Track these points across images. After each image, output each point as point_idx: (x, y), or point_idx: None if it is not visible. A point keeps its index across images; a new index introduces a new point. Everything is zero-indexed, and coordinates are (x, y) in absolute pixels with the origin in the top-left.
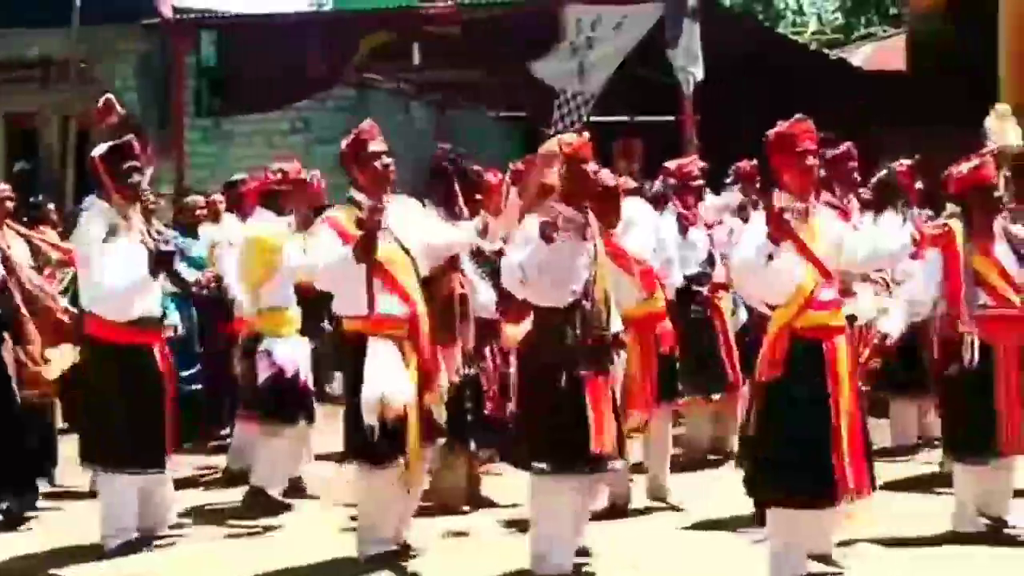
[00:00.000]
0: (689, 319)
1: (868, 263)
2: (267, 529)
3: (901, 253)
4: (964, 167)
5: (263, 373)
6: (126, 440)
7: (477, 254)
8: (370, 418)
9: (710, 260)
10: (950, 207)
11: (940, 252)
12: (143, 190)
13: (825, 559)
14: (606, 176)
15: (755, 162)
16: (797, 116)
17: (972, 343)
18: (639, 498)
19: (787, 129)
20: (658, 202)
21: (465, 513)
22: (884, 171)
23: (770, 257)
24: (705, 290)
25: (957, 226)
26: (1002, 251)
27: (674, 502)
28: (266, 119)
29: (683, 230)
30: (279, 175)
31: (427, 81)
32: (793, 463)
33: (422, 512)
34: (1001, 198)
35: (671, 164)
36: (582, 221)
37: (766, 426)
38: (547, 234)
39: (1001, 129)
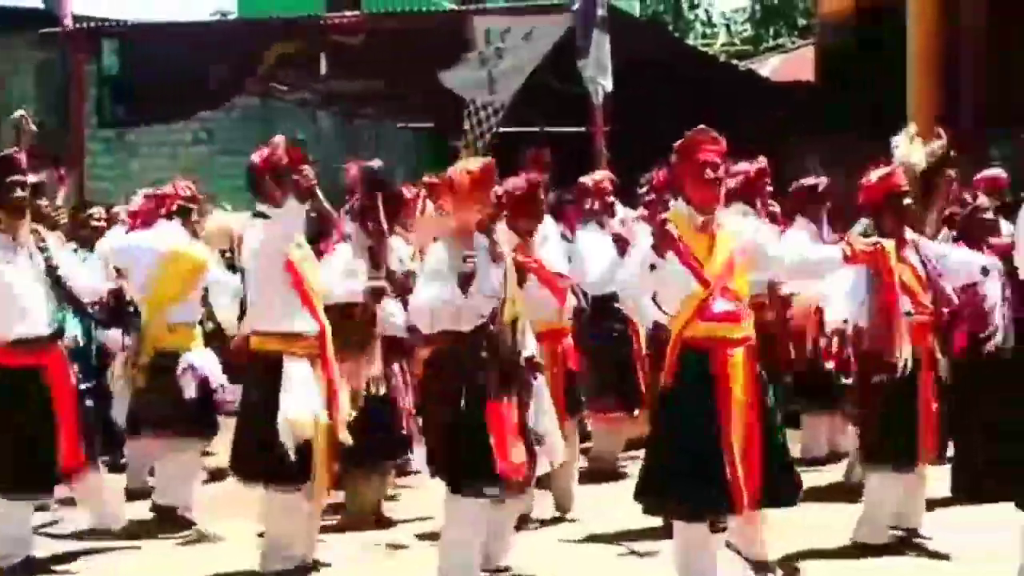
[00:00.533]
0: (607, 335)
1: (795, 274)
2: (174, 546)
3: (829, 266)
4: (875, 175)
5: (189, 387)
6: (8, 466)
7: (387, 275)
8: (287, 438)
9: None
10: (863, 220)
11: (868, 269)
12: (44, 206)
13: (761, 565)
14: (519, 182)
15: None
16: (699, 127)
17: (906, 352)
18: (548, 510)
19: (689, 140)
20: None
21: (379, 528)
22: (807, 181)
23: (652, 267)
24: (623, 305)
25: (889, 244)
26: (914, 258)
27: (580, 514)
28: (170, 129)
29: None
30: (188, 190)
31: (334, 91)
32: (681, 474)
33: (334, 528)
34: (911, 206)
35: (587, 180)
36: (492, 246)
37: (657, 436)
38: (463, 281)
39: (907, 148)
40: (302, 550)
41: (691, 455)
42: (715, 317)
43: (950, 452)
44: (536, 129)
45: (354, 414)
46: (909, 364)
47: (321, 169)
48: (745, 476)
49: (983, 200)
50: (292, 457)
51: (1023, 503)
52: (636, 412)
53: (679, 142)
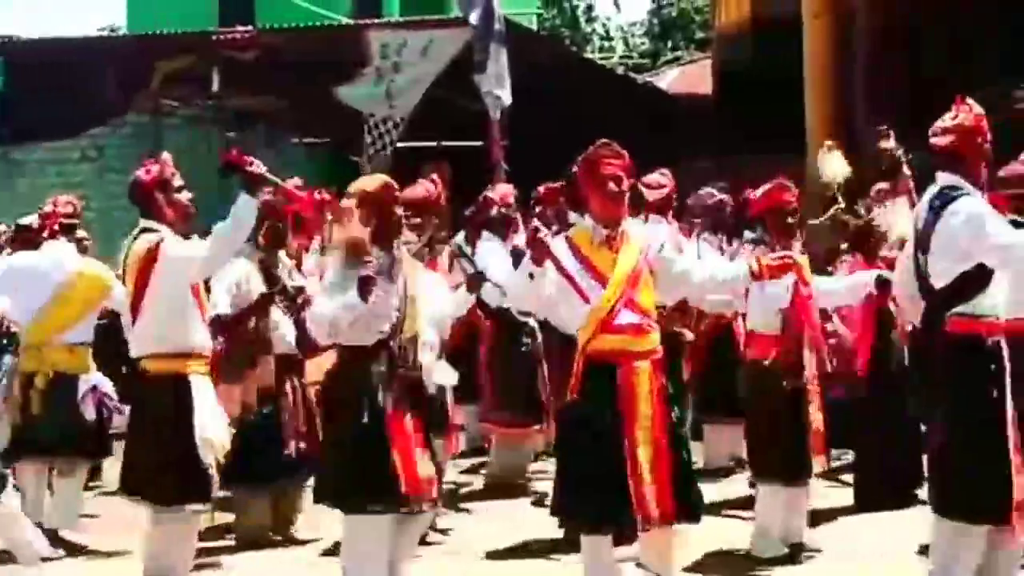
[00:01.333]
0: (515, 351)
1: (702, 289)
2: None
3: (736, 282)
4: (762, 190)
5: (89, 410)
6: None
7: (281, 291)
8: (208, 457)
9: None
10: (748, 233)
11: (786, 283)
12: None
13: None
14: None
15: (556, 185)
16: (602, 141)
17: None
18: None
19: (592, 154)
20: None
21: (275, 547)
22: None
23: (531, 277)
24: (532, 321)
25: (803, 259)
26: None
27: (486, 531)
28: (57, 147)
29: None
30: (70, 205)
31: (226, 107)
32: (587, 487)
33: (225, 550)
34: (795, 223)
35: (493, 194)
36: (390, 262)
37: (563, 450)
38: (365, 293)
39: (827, 161)
40: (183, 572)
41: (597, 469)
42: (620, 330)
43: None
44: (435, 144)
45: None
46: (808, 378)
47: (214, 187)
48: (654, 491)
49: (876, 213)
50: (208, 475)
51: (940, 508)
52: (539, 426)
53: (581, 156)
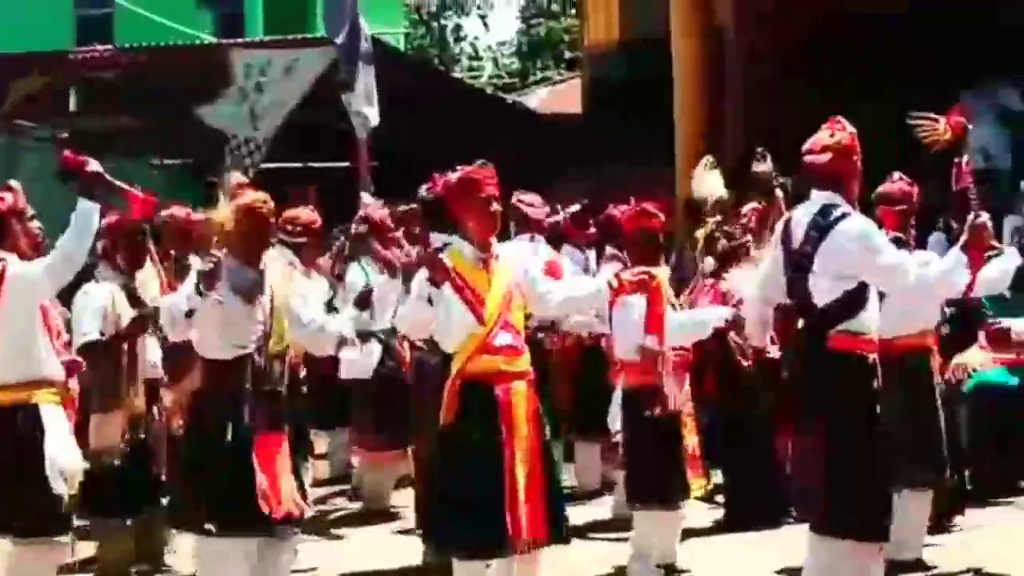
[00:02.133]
0: (382, 375)
1: (563, 309)
2: None
3: (596, 299)
4: (627, 210)
5: None
6: None
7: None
8: (61, 488)
9: None
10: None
11: (644, 300)
12: None
13: None
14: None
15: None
16: (480, 162)
17: (675, 387)
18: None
19: (470, 175)
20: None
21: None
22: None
23: (430, 301)
24: (398, 343)
25: (662, 273)
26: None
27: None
28: None
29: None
30: None
31: (85, 128)
32: (465, 512)
33: None
34: (663, 244)
35: (361, 213)
36: (255, 279)
37: (440, 474)
38: (206, 278)
39: (704, 179)
40: None
41: (477, 493)
42: (497, 351)
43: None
44: (300, 165)
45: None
46: (677, 401)
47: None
48: (528, 512)
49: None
50: (65, 506)
51: (824, 527)
52: (405, 449)
53: (457, 177)
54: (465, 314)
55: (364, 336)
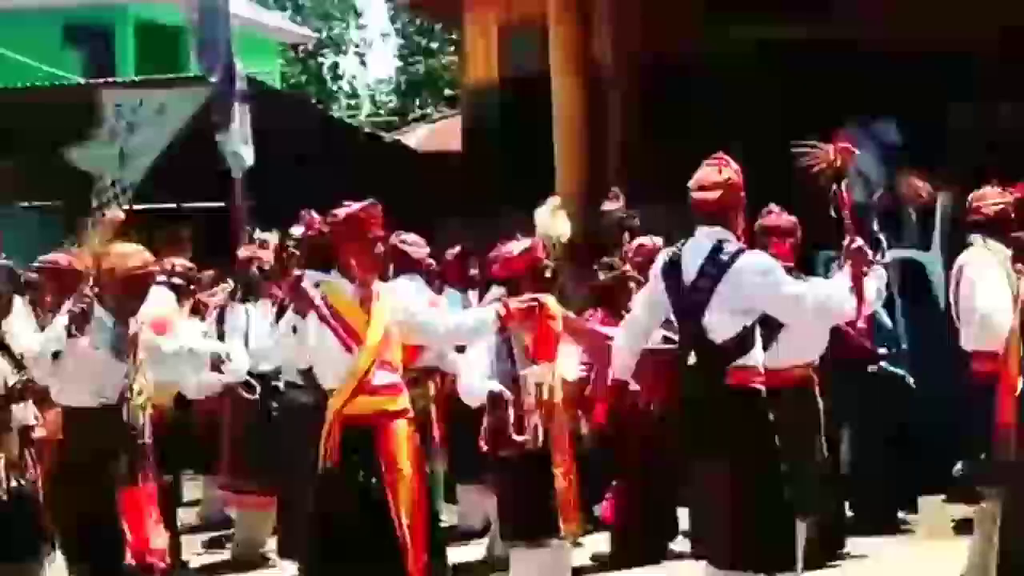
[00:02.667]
0: (258, 415)
1: (450, 339)
2: None
3: (483, 329)
4: (516, 248)
5: None
6: None
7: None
8: None
9: None
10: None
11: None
12: None
13: None
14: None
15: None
16: (370, 200)
17: (536, 425)
18: None
19: (358, 214)
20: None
21: None
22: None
23: (294, 330)
24: (283, 385)
25: (550, 299)
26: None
27: None
28: None
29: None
30: None
31: None
32: (348, 559)
33: None
34: (552, 278)
35: (245, 252)
36: (125, 334)
37: (321, 522)
38: (75, 320)
39: (550, 220)
40: None
41: (359, 537)
42: (376, 391)
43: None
44: (173, 206)
45: None
46: (540, 437)
47: None
48: (413, 555)
49: (627, 266)
50: None
51: (730, 562)
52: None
53: (345, 214)
54: (340, 347)
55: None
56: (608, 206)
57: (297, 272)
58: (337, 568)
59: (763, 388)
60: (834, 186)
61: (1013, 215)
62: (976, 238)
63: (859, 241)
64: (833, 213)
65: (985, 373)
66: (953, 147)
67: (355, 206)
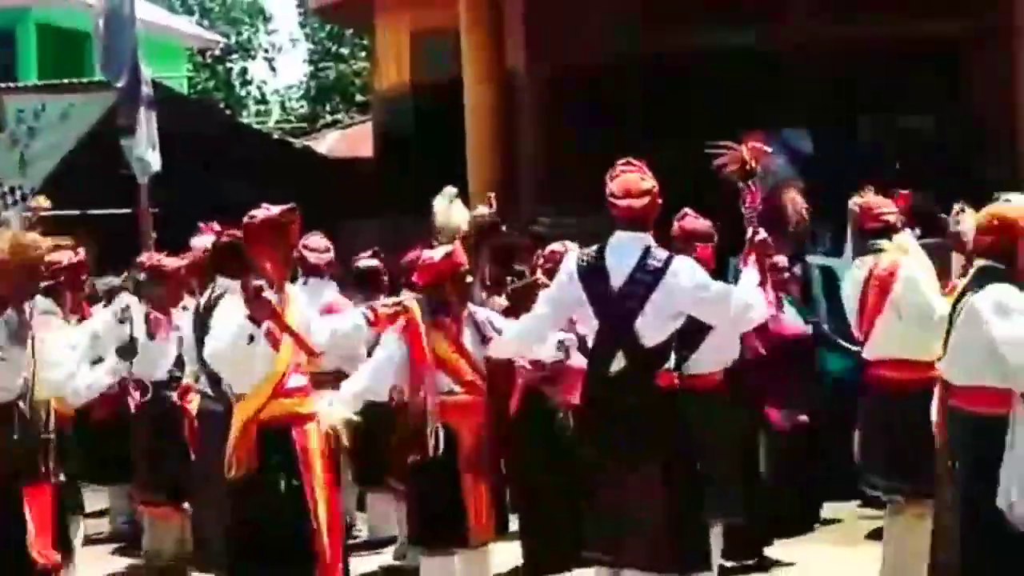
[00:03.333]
0: (156, 426)
1: (330, 345)
2: None
3: (355, 334)
4: (437, 254)
5: None
6: None
7: None
8: None
9: (179, 362)
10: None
11: (401, 335)
12: None
13: None
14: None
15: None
16: (291, 205)
17: (436, 431)
18: None
19: (277, 217)
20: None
21: None
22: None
23: (251, 339)
24: (174, 395)
25: (414, 304)
26: (469, 336)
27: None
28: None
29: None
30: None
31: None
32: (273, 558)
33: None
34: (471, 284)
35: (146, 259)
36: (22, 322)
37: (242, 527)
38: None
39: (446, 210)
40: None
41: (282, 538)
42: (290, 393)
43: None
44: (77, 212)
45: None
46: (440, 444)
47: None
48: (329, 555)
49: (540, 274)
50: None
51: (657, 565)
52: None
53: (264, 218)
54: (271, 353)
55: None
56: (478, 211)
57: (255, 281)
58: (260, 571)
59: (681, 392)
60: (742, 184)
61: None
62: (885, 243)
63: (762, 233)
64: (742, 210)
65: (896, 380)
66: (864, 156)
67: (274, 210)
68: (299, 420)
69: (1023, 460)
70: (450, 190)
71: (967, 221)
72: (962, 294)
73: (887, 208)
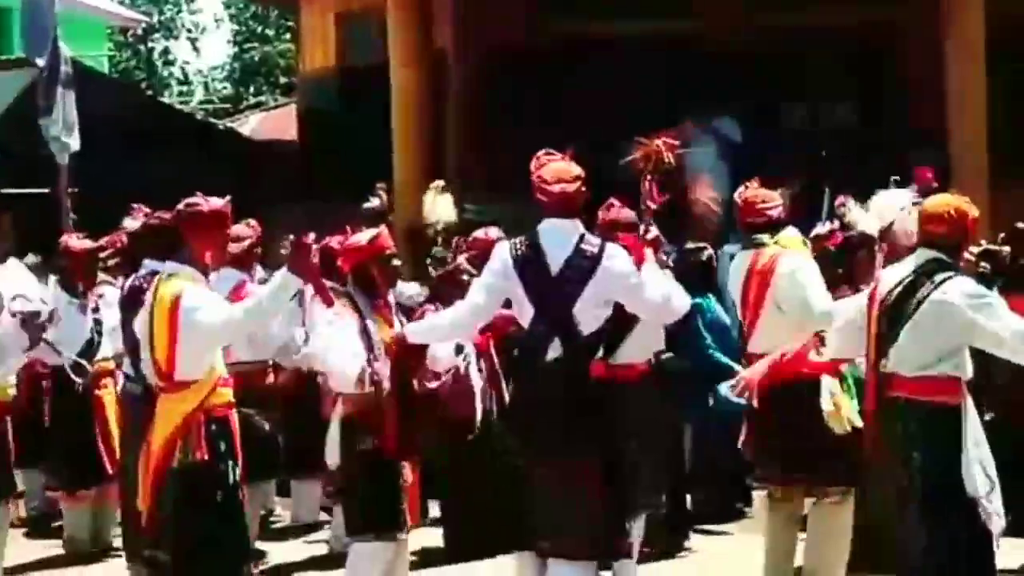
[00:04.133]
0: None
1: (250, 327)
2: None
3: (281, 293)
4: (363, 237)
5: None
6: None
7: None
8: None
9: (89, 345)
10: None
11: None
12: None
13: None
14: None
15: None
16: (228, 198)
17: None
18: None
19: (223, 209)
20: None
21: None
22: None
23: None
24: (80, 381)
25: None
26: (397, 322)
27: None
28: None
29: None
30: None
31: None
32: (219, 552)
33: None
34: (398, 268)
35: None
36: None
37: (195, 516)
38: None
39: (433, 204)
40: None
41: (226, 524)
42: (226, 382)
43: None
44: None
45: None
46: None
47: None
48: None
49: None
50: None
51: (571, 551)
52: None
53: (209, 209)
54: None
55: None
56: (369, 203)
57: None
58: (206, 564)
59: (616, 382)
60: (648, 177)
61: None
62: (765, 237)
63: (654, 230)
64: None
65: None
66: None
67: (219, 202)
68: (230, 409)
69: (979, 447)
70: (437, 183)
71: (853, 213)
72: (910, 284)
73: (770, 203)
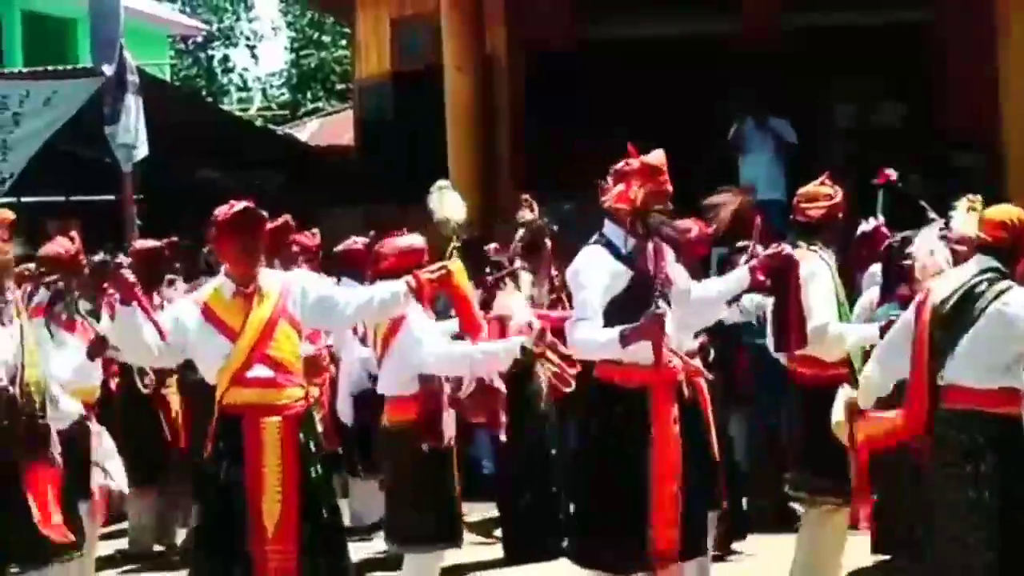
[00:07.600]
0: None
1: (359, 318)
2: None
3: (398, 302)
4: (400, 241)
5: None
6: None
7: None
8: None
9: None
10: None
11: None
12: None
13: None
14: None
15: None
16: (243, 203)
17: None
18: None
19: (226, 217)
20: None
21: None
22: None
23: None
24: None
25: (457, 265)
26: None
27: None
28: None
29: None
30: None
31: None
32: (211, 552)
33: None
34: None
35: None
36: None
37: (200, 508)
38: None
39: (441, 203)
40: None
41: (219, 530)
42: (251, 383)
43: None
44: (61, 199)
45: None
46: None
47: None
48: (277, 551)
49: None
50: None
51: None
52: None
53: (215, 220)
54: (220, 344)
55: None
56: (525, 215)
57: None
58: (207, 557)
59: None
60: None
61: (839, 216)
62: (799, 243)
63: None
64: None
65: (807, 375)
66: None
67: (224, 209)
68: (255, 411)
69: None
70: (441, 182)
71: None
72: (968, 292)
73: (814, 203)
